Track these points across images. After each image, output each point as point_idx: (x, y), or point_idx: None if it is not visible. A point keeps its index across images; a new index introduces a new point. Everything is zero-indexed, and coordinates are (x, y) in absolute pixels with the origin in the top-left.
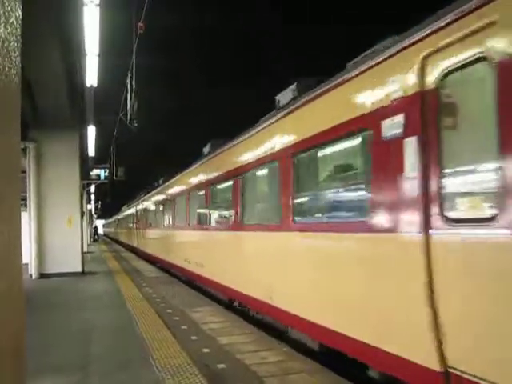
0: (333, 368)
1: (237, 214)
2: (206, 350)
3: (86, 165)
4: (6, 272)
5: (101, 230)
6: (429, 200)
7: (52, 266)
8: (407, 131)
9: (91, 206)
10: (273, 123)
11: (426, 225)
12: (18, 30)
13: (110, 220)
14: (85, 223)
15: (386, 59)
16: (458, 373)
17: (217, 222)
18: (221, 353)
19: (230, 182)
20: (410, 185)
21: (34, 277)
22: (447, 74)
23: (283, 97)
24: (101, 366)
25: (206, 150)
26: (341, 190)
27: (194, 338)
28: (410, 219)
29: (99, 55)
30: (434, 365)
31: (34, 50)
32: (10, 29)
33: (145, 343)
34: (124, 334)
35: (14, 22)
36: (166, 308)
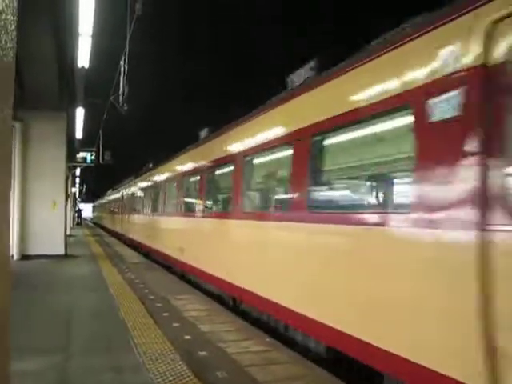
0: (314, 360)
1: None
2: (187, 337)
3: (72, 147)
4: None
5: (89, 214)
6: None
7: (34, 247)
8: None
9: (75, 190)
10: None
11: None
12: (15, 2)
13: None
14: (69, 206)
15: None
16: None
17: None
18: (202, 340)
19: None
20: None
21: (15, 258)
22: None
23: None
24: (81, 348)
25: None
26: None
27: (175, 324)
28: None
29: (92, 36)
30: None
31: (24, 26)
32: (7, 1)
33: (126, 328)
34: (106, 318)
35: None
36: (149, 294)
